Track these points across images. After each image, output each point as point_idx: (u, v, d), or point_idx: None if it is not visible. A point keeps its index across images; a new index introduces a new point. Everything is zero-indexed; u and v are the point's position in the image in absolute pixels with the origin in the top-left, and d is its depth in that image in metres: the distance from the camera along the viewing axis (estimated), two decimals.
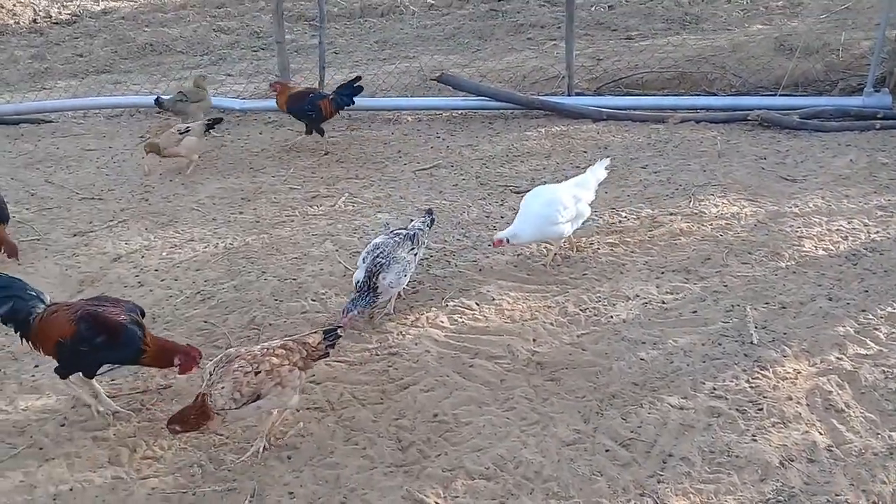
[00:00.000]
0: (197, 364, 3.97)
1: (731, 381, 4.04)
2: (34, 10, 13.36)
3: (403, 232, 4.82)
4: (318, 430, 3.90)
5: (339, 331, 4.05)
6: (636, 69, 8.39)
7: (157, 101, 7.72)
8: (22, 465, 3.75)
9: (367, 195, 6.38)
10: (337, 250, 5.51)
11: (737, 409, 3.84)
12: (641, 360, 4.25)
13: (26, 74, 10.40)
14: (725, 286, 4.86)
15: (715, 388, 3.99)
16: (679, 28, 9.83)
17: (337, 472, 3.64)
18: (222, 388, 3.52)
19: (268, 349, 3.71)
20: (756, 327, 4.43)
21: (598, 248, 5.37)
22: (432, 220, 5.11)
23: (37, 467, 3.73)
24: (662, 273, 5.05)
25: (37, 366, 4.48)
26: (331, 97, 7.25)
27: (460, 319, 4.70)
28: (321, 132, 7.38)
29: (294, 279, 5.19)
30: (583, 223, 5.28)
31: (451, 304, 4.84)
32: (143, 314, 4.11)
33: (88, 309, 3.98)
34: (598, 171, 5.39)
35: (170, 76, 9.62)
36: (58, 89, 9.62)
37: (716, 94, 7.96)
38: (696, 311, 4.64)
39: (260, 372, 3.58)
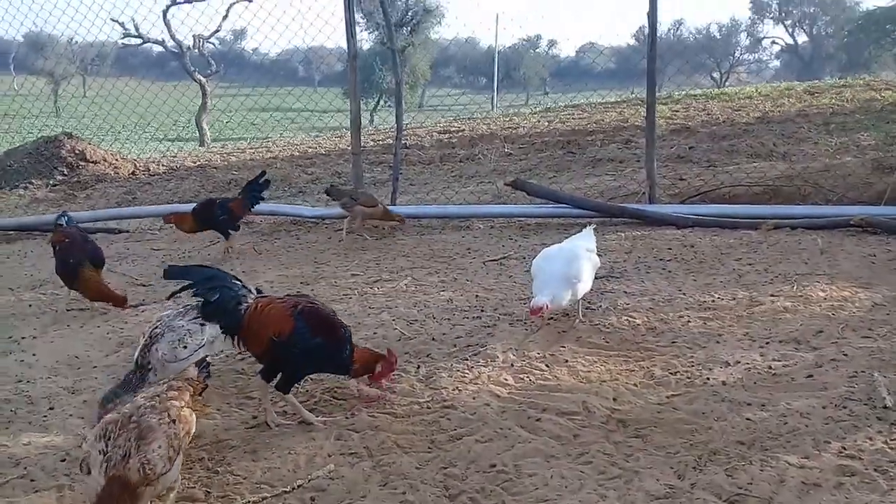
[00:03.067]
0: (395, 369, 3.91)
1: (865, 442, 3.25)
2: (135, 165, 14.26)
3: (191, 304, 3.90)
4: (349, 474, 3.27)
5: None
6: (722, 185, 7.97)
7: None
8: (8, 493, 3.25)
9: (432, 279, 5.97)
10: (393, 319, 5.03)
11: (875, 469, 3.03)
12: (748, 419, 3.50)
13: (114, 203, 10.81)
14: (845, 355, 4.09)
15: (844, 448, 3.20)
16: (764, 161, 9.48)
17: None
18: (156, 447, 2.74)
19: (157, 394, 2.99)
20: (889, 392, 3.63)
21: (689, 321, 4.72)
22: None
23: (23, 496, 3.22)
24: (767, 343, 4.33)
25: (51, 408, 4.07)
26: (237, 197, 7.35)
27: (527, 378, 4.08)
28: (227, 235, 7.28)
29: None
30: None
31: (518, 364, 4.23)
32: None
33: (308, 305, 3.70)
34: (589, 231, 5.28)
35: None
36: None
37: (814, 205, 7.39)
38: (811, 377, 3.88)
39: (174, 420, 2.90)
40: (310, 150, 15.27)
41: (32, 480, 3.35)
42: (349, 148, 14.57)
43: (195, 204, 7.52)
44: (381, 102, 34.25)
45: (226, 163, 14.12)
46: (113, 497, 2.63)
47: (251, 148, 16.77)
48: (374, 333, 4.81)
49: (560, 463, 3.27)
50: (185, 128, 28.21)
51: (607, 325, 4.70)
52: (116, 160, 14.08)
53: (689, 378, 3.96)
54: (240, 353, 4.24)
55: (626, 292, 5.32)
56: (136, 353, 3.79)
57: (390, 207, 7.75)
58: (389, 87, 34.53)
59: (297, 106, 22.94)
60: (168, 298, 4.05)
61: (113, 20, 24.74)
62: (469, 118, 18.78)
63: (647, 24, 7.49)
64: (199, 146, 22.93)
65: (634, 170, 9.25)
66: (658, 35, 7.69)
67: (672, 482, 3.07)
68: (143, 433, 2.76)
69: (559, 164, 10.45)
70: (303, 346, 3.58)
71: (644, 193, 7.72)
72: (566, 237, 6.94)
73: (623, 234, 6.87)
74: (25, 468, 3.44)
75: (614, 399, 3.79)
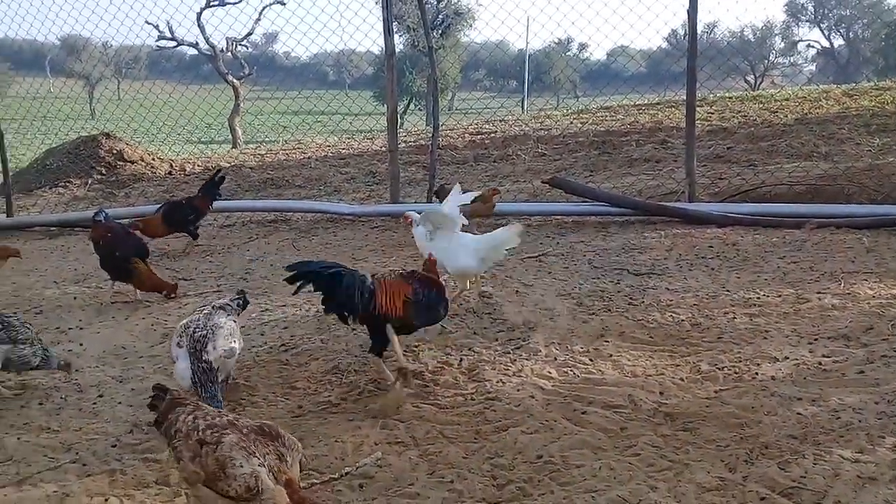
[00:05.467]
0: None
1: None
2: (171, 164, 14.43)
3: (208, 308, 4.10)
4: (397, 462, 3.28)
5: None
6: (763, 184, 7.86)
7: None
8: (60, 477, 3.32)
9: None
10: None
11: None
12: (799, 414, 3.46)
13: (153, 201, 10.95)
14: None
15: None
16: (805, 161, 9.33)
17: (417, 502, 2.97)
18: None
19: (205, 415, 2.84)
20: None
21: (735, 318, 4.65)
22: (244, 302, 4.35)
23: (76, 480, 3.27)
24: (815, 339, 4.26)
25: (100, 395, 4.14)
26: (200, 195, 7.61)
27: (571, 372, 4.05)
28: (196, 237, 7.53)
29: None
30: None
31: (561, 358, 4.21)
32: None
33: (406, 270, 4.25)
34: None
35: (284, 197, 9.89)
36: None
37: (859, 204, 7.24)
38: (862, 373, 3.81)
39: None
40: (343, 150, 15.36)
41: (84, 465, 3.40)
42: (382, 148, 14.71)
43: (161, 206, 7.57)
44: (411, 105, 34.35)
45: (260, 163, 14.24)
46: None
47: (284, 149, 16.89)
48: None
49: (608, 455, 3.25)
50: (218, 130, 28.49)
51: (651, 321, 4.66)
52: (153, 160, 14.28)
53: (736, 373, 3.91)
54: (353, 329, 4.58)
55: (668, 289, 5.27)
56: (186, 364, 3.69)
57: (431, 206, 7.75)
58: (420, 89, 34.70)
59: (328, 109, 23.08)
60: (294, 294, 4.13)
61: (148, 23, 25.13)
62: (501, 120, 18.76)
63: (680, 26, 7.43)
64: (232, 148, 23.16)
65: (672, 169, 9.16)
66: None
67: (723, 475, 3.03)
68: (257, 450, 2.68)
69: (595, 164, 10.38)
70: (426, 301, 4.06)
71: (683, 192, 7.63)
72: (604, 236, 6.96)
73: (662, 233, 6.80)
74: (77, 453, 3.50)
75: (661, 393, 3.76)
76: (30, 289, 6.43)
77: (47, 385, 4.28)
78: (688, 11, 7.30)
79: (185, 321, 3.94)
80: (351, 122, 20.58)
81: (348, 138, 19.16)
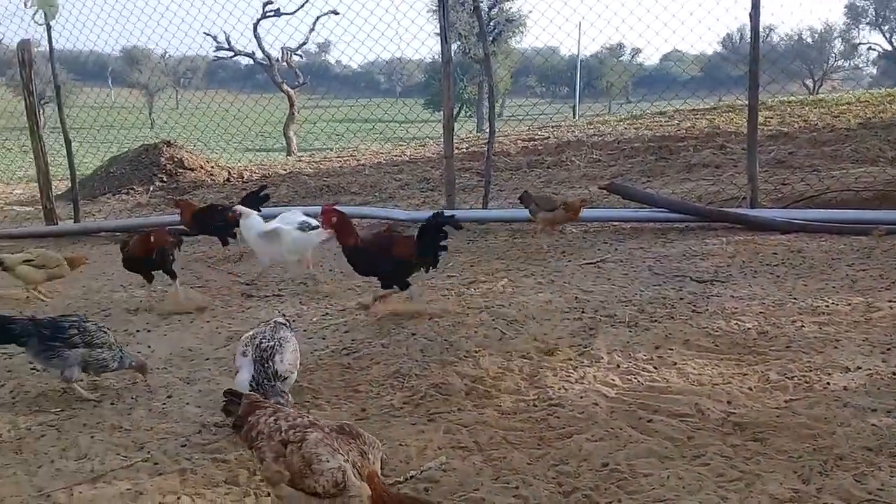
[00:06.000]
0: None
1: None
2: (229, 172, 14.74)
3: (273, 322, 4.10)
4: (461, 467, 3.28)
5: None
6: (828, 190, 7.66)
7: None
8: (133, 475, 3.40)
9: (528, 281, 5.94)
10: (493, 319, 5.03)
11: None
12: (873, 425, 3.35)
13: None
14: None
15: None
16: (871, 166, 9.07)
17: None
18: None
19: (286, 416, 2.84)
20: None
21: (803, 326, 4.54)
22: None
23: (147, 478, 3.35)
24: (889, 349, 4.13)
25: (169, 396, 4.24)
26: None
27: (635, 380, 4.00)
28: (226, 243, 7.64)
29: (445, 339, 4.73)
30: None
31: (624, 365, 4.16)
32: None
33: None
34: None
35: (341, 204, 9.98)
36: None
37: None
38: None
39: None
40: (396, 157, 15.48)
41: (156, 464, 3.48)
42: (434, 156, 14.78)
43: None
44: (462, 112, 34.41)
45: (316, 170, 14.45)
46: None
47: (338, 157, 17.11)
48: (475, 332, 4.82)
49: (675, 464, 3.20)
50: (272, 138, 29.05)
51: (716, 329, 4.57)
52: (212, 167, 14.61)
53: (807, 383, 3.81)
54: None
55: (732, 296, 5.17)
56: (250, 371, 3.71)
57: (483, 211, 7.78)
58: (471, 96, 34.76)
59: (383, 117, 23.31)
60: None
61: (206, 34, 25.75)
62: (553, 126, 18.68)
63: (735, 30, 7.30)
64: (287, 155, 23.55)
65: (733, 174, 8.99)
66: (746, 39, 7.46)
67: (797, 486, 2.96)
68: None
69: (651, 170, 10.26)
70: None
71: (745, 198, 7.49)
72: (664, 242, 6.86)
73: (724, 239, 6.68)
74: (149, 452, 3.58)
75: (728, 402, 3.68)
76: (98, 292, 6.64)
77: (118, 386, 4.41)
78: (750, 14, 7.18)
79: (250, 332, 4.00)
80: (405, 130, 20.71)
81: (401, 145, 19.32)
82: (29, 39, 9.22)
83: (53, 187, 10.15)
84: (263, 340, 3.83)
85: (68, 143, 9.48)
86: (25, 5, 9.14)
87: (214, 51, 26.54)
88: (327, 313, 5.55)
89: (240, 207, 6.72)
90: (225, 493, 3.21)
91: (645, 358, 4.25)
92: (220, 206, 7.96)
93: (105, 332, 4.26)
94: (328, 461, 2.57)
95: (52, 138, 11.19)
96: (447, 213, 5.64)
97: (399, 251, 5.29)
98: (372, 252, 5.32)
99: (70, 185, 10.40)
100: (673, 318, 4.82)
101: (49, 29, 9.39)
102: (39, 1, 9.18)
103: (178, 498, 3.16)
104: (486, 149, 8.88)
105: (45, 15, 9.24)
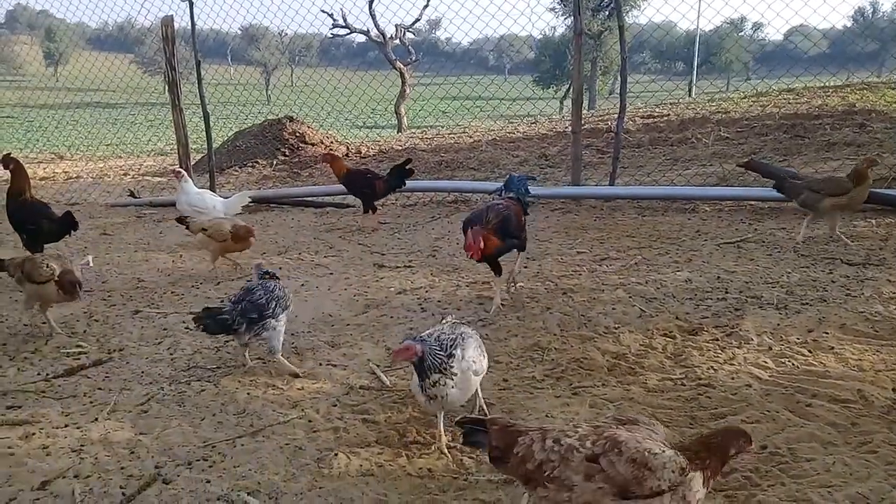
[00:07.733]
0: None
1: None
2: (347, 147, 15.06)
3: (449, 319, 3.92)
4: None
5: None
6: None
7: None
8: (290, 431, 3.54)
9: (663, 259, 5.80)
10: (630, 297, 4.95)
11: None
12: None
13: (333, 181, 11.44)
14: None
15: None
16: None
17: None
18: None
19: (558, 430, 2.48)
20: None
21: None
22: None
23: (304, 435, 3.48)
24: None
25: (319, 364, 4.36)
26: (384, 178, 7.84)
27: (789, 363, 3.85)
28: (374, 209, 7.87)
29: (582, 315, 4.69)
30: None
31: (776, 348, 4.01)
32: None
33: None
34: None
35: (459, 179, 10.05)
36: None
37: None
38: None
39: None
40: (510, 134, 15.39)
41: (310, 422, 3.62)
42: (548, 132, 14.62)
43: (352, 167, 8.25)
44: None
45: (431, 147, 14.56)
46: None
47: (450, 133, 17.17)
48: (613, 309, 4.76)
49: (839, 450, 3.07)
50: (382, 115, 29.48)
51: (874, 314, 4.34)
52: (332, 143, 14.97)
53: None
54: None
55: (889, 280, 4.88)
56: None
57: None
58: (584, 72, 34.08)
59: (488, 94, 23.25)
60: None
61: (323, 11, 26.34)
62: (672, 103, 18.09)
63: (868, 3, 6.78)
64: (397, 132, 23.87)
65: (879, 154, 8.45)
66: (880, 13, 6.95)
67: None
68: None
69: (787, 149, 9.78)
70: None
71: (894, 178, 7.03)
72: (804, 223, 6.54)
73: (874, 221, 6.31)
74: (303, 410, 3.73)
75: (894, 389, 3.50)
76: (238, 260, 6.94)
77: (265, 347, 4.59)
78: None
79: (429, 330, 3.82)
80: (517, 107, 20.61)
81: (512, 122, 19.20)
82: (171, 15, 9.62)
83: None
84: (443, 334, 3.58)
85: (206, 116, 9.87)
86: None
87: (331, 28, 27.15)
88: (457, 285, 5.60)
89: (181, 170, 7.81)
90: (378, 452, 3.30)
91: (798, 341, 4.08)
92: (370, 172, 8.18)
93: (283, 290, 4.35)
94: (663, 451, 2.32)
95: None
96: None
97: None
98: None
99: (206, 156, 10.86)
100: (825, 301, 4.60)
101: (192, 5, 9.79)
102: None
103: (336, 454, 3.28)
104: (610, 125, 8.68)
105: None
